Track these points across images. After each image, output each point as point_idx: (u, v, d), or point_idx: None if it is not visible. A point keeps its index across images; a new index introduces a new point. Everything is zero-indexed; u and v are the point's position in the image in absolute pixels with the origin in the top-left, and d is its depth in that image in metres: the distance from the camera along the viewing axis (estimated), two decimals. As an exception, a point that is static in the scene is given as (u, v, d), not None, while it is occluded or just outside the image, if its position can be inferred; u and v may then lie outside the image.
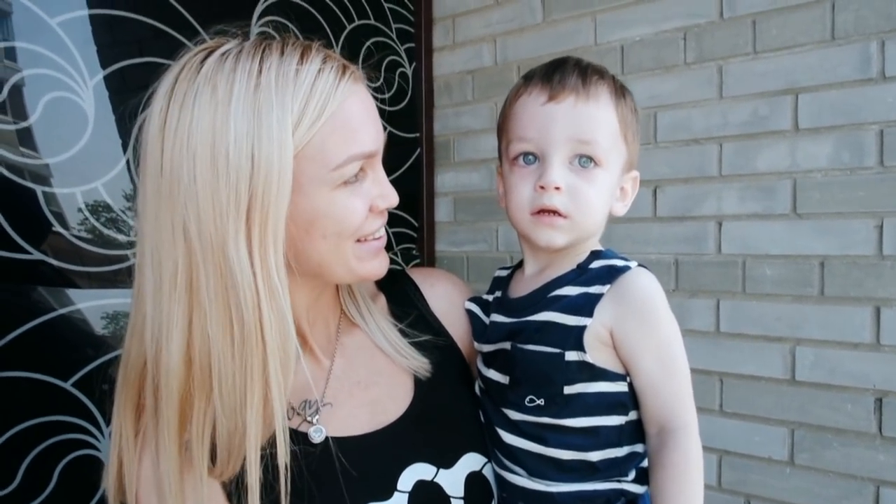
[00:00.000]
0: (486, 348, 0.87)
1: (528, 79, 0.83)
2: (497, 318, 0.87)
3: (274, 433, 0.68)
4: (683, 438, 0.75)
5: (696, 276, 1.55)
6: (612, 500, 0.80)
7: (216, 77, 0.65)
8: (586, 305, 0.77)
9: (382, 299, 0.92)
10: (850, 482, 1.36)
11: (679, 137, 1.58)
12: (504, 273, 0.95)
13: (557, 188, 0.78)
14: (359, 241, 0.74)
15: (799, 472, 1.42)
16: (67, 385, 1.18)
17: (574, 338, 0.77)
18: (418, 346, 0.87)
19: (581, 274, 0.82)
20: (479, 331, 0.90)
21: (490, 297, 0.92)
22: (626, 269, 0.79)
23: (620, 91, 0.82)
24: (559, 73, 0.80)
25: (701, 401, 1.53)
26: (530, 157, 0.80)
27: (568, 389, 0.77)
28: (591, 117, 0.78)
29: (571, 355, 0.77)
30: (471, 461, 0.83)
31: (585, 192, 0.78)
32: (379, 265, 0.78)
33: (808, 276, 1.41)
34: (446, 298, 0.95)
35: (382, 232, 0.78)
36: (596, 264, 0.81)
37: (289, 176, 0.65)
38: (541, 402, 0.78)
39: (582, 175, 0.78)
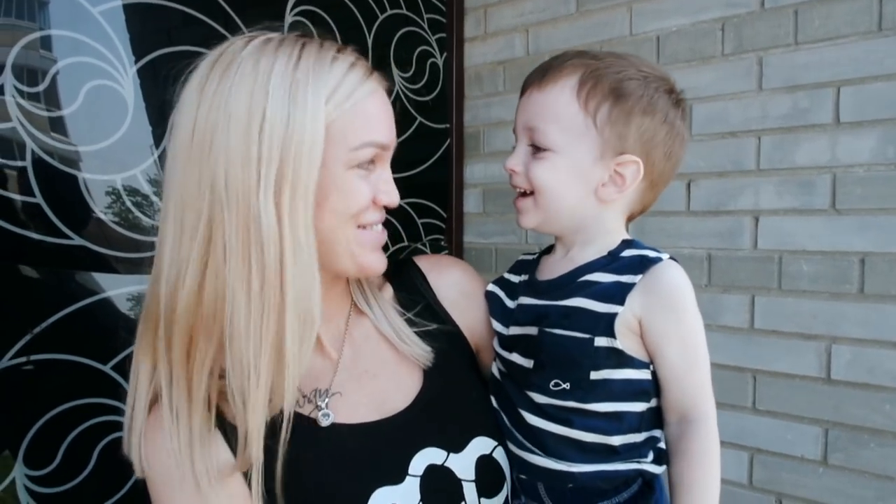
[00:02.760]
0: (512, 331, 0.87)
1: None
2: (526, 300, 0.88)
3: (281, 418, 0.71)
4: (703, 428, 0.78)
5: (729, 271, 1.53)
6: (631, 480, 0.82)
7: (259, 54, 0.71)
8: (618, 294, 0.79)
9: (389, 289, 0.94)
10: (885, 483, 1.34)
11: (715, 130, 1.55)
12: (530, 258, 0.96)
13: (513, 170, 0.85)
14: (359, 227, 0.78)
15: (832, 472, 1.40)
16: (107, 368, 1.20)
17: (605, 324, 0.78)
18: (424, 335, 0.88)
19: (612, 261, 0.83)
20: (502, 313, 0.90)
21: (517, 279, 0.93)
22: (657, 260, 0.80)
23: (591, 76, 0.81)
24: (532, 71, 0.86)
25: (734, 398, 1.52)
26: (513, 147, 0.89)
27: (594, 375, 0.79)
28: (539, 104, 0.83)
29: (601, 341, 0.78)
30: (480, 445, 0.84)
31: (535, 172, 0.83)
32: (378, 260, 0.82)
33: (847, 273, 1.38)
34: (454, 287, 0.95)
35: (382, 228, 0.82)
36: (627, 253, 0.83)
37: (321, 142, 0.70)
38: (566, 386, 0.80)
39: (536, 157, 0.83)
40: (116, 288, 1.23)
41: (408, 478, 0.78)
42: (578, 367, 0.80)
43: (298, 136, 0.69)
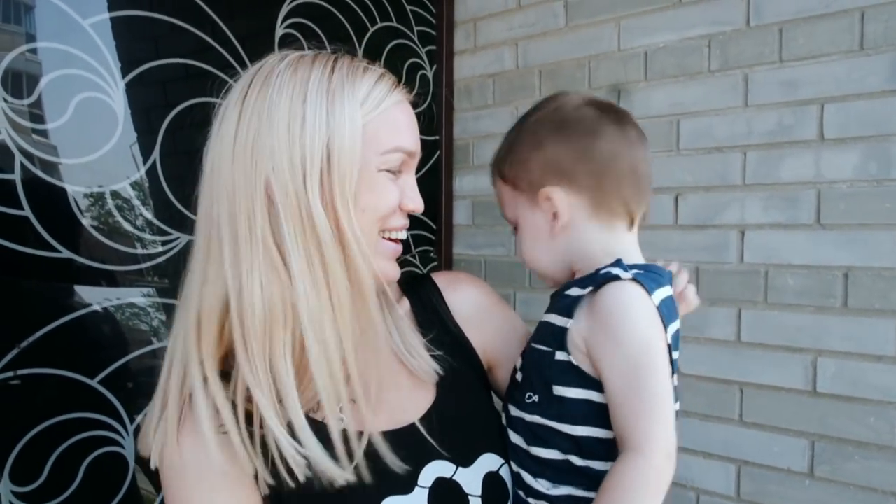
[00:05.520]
0: None
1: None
2: None
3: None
4: (631, 462, 0.69)
5: (716, 285, 1.55)
6: None
7: (296, 65, 0.76)
8: (572, 307, 0.79)
9: (406, 303, 0.94)
10: (870, 495, 1.36)
11: (702, 145, 1.57)
12: None
13: None
14: (382, 234, 0.81)
15: (818, 484, 1.42)
16: (94, 382, 1.19)
17: (560, 338, 0.79)
18: (437, 349, 0.89)
19: (588, 278, 0.82)
20: None
21: None
22: (614, 278, 0.77)
23: (501, 159, 0.92)
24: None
25: (720, 410, 1.54)
26: None
27: (557, 390, 0.78)
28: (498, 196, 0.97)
29: (560, 355, 0.78)
30: (488, 461, 0.85)
31: (517, 249, 0.96)
32: (393, 269, 0.85)
33: (832, 287, 1.40)
34: (468, 302, 0.96)
35: (403, 235, 0.85)
36: (603, 270, 0.81)
37: (359, 140, 0.74)
38: (536, 398, 0.81)
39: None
40: (104, 301, 1.22)
41: (417, 488, 0.79)
42: (543, 380, 0.80)
43: (339, 135, 0.73)
